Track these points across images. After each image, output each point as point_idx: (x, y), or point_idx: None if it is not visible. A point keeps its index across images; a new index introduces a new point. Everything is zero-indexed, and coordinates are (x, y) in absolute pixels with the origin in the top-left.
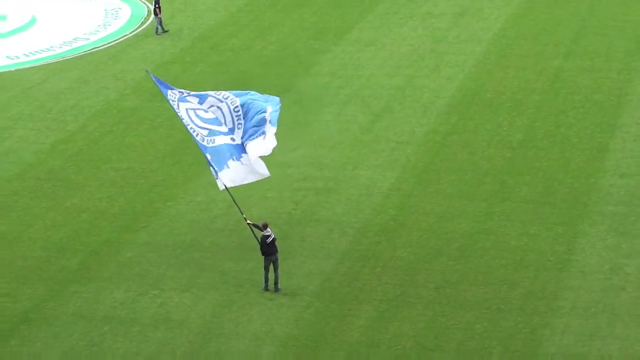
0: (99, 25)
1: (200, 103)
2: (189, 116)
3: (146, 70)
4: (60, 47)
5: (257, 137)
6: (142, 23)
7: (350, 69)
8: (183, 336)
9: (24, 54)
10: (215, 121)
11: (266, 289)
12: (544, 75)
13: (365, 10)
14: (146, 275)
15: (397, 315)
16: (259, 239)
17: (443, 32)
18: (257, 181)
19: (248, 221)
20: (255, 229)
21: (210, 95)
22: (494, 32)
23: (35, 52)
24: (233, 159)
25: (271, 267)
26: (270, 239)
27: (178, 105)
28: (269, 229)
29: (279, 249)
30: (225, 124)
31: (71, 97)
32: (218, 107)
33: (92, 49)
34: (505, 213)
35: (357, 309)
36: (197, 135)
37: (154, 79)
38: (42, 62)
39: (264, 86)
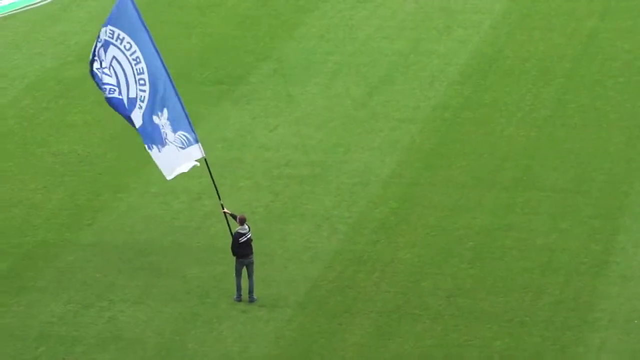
0: None
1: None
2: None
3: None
4: None
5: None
6: None
7: (341, 30)
8: (137, 358)
9: None
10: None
11: (239, 299)
12: (576, 38)
13: None
14: (91, 283)
15: (399, 331)
16: (233, 235)
17: None
18: (225, 169)
19: (225, 209)
20: (231, 221)
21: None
22: None
23: None
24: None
25: (245, 272)
26: (244, 239)
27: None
28: (245, 226)
29: (254, 251)
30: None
31: None
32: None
33: (26, 6)
34: (530, 205)
35: (350, 323)
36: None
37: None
38: None
39: (237, 52)
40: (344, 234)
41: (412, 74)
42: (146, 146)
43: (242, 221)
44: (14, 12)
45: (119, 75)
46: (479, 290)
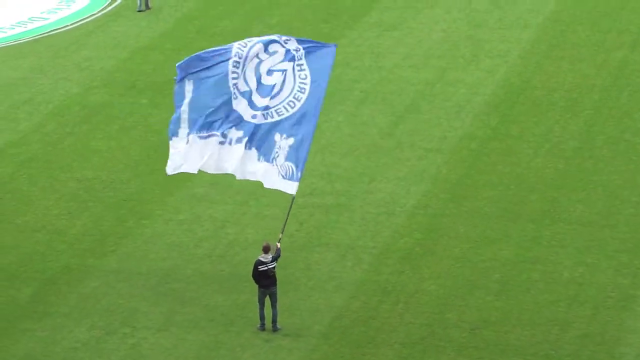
0: (60, 2)
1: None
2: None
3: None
4: (12, 29)
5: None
6: (113, 0)
7: (368, 58)
8: None
9: None
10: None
11: (262, 328)
12: (605, 70)
13: None
14: (115, 310)
15: None
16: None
17: (482, 14)
18: (251, 196)
19: (278, 244)
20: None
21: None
22: (545, 16)
23: None
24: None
25: (268, 301)
26: (263, 267)
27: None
28: (269, 255)
29: (277, 280)
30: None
31: (24, 89)
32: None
33: (51, 31)
34: (557, 238)
35: (374, 353)
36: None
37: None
38: None
39: None
40: (369, 264)
41: (438, 103)
42: (236, 138)
43: (265, 250)
44: (39, 36)
45: (277, 83)
46: (505, 323)
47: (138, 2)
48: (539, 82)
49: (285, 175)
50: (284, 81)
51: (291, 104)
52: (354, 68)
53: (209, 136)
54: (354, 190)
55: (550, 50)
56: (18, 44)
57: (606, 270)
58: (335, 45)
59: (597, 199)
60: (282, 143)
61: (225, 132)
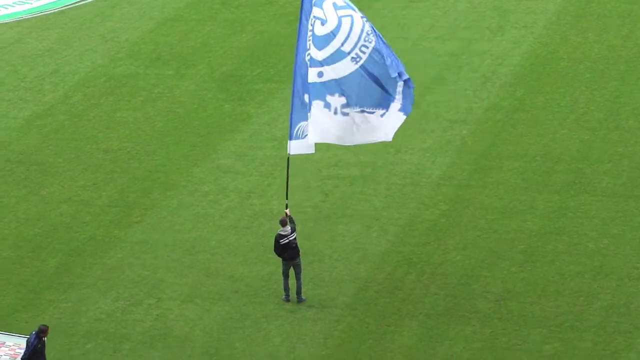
0: None
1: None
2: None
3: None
4: (38, 0)
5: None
6: None
7: (393, 29)
8: (185, 356)
9: None
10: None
11: (287, 299)
12: (631, 41)
13: None
14: (140, 281)
15: (447, 333)
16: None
17: None
18: (276, 168)
19: (287, 210)
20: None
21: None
22: None
23: (7, 5)
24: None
25: (292, 273)
26: (285, 240)
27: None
28: (287, 227)
29: (301, 251)
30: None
31: (50, 61)
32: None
33: (77, 2)
34: (582, 209)
35: (398, 324)
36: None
37: None
38: (14, 18)
39: (288, 50)
40: (394, 235)
41: (464, 74)
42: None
43: (283, 223)
44: (64, 8)
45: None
46: (530, 294)
47: None
48: (564, 53)
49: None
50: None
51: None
52: None
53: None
54: (379, 161)
55: (576, 22)
56: (44, 15)
57: (631, 241)
58: None
59: (622, 170)
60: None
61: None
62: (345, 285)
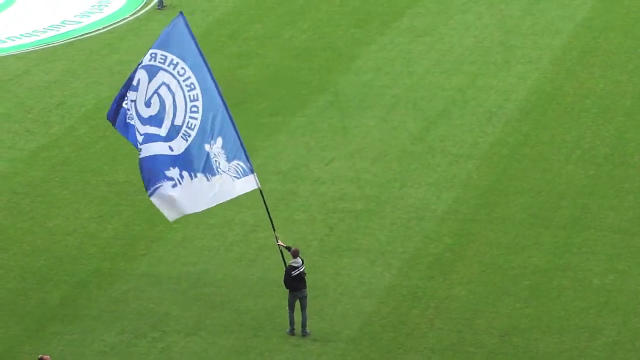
0: (93, 6)
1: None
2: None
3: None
4: (45, 32)
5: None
6: (146, 3)
7: (399, 64)
8: None
9: (0, 40)
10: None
11: (292, 332)
12: (637, 76)
13: None
14: (145, 313)
15: None
16: (285, 268)
17: (514, 20)
18: (281, 201)
19: (279, 242)
20: (286, 253)
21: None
22: (577, 22)
23: (14, 37)
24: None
25: (298, 305)
26: (296, 272)
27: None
28: (299, 259)
29: (308, 284)
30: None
31: (57, 93)
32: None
33: (84, 34)
34: (588, 244)
35: (403, 359)
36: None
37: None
38: (22, 50)
39: (294, 84)
40: (398, 269)
41: (469, 109)
42: (178, 174)
43: (295, 254)
44: (71, 40)
45: (166, 102)
46: (534, 330)
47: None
48: (570, 89)
49: (238, 174)
50: (171, 96)
51: (194, 108)
52: (385, 73)
53: (157, 188)
54: (384, 195)
55: (582, 57)
56: (50, 47)
57: (637, 277)
58: (180, 13)
59: (628, 206)
60: (215, 149)
61: (167, 175)
62: (350, 319)
